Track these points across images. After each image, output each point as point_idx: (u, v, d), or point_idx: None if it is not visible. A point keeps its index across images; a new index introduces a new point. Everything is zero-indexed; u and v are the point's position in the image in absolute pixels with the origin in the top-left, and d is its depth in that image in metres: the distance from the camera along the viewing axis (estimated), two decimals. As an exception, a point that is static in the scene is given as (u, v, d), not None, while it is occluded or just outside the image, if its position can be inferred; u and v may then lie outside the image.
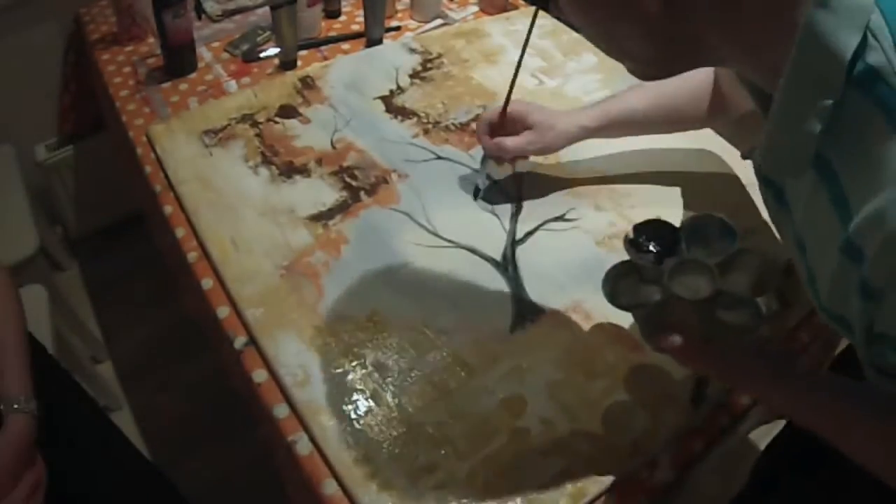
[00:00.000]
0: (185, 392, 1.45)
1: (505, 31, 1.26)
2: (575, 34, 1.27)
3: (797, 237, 0.46)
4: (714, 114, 0.81)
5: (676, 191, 0.92)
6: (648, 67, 0.50)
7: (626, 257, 0.60)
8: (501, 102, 0.83)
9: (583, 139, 0.85)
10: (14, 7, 1.35)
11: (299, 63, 1.18)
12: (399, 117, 1.05)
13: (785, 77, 0.39)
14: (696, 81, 0.80)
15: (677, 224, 0.59)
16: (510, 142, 0.83)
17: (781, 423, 0.99)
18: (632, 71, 0.51)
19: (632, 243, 0.59)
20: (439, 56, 1.18)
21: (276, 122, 1.02)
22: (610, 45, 0.51)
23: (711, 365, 0.56)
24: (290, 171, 0.94)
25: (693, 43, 0.44)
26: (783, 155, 0.42)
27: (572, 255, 0.84)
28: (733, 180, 0.93)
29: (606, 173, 0.94)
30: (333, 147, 0.99)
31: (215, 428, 1.37)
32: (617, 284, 0.59)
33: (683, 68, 0.50)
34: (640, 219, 0.62)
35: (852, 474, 0.49)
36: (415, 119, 1.04)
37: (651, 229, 0.59)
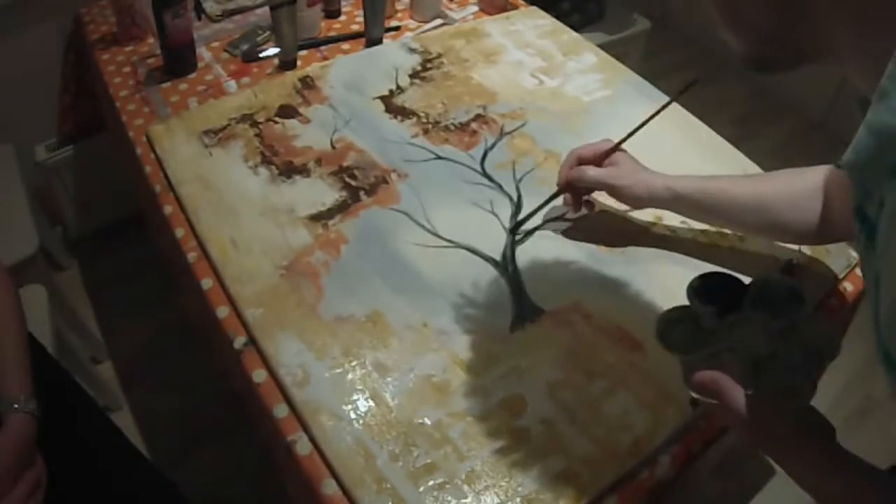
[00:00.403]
0: (185, 392, 1.45)
1: (505, 31, 1.26)
2: (575, 34, 1.27)
3: (876, 272, 0.43)
4: (819, 234, 0.74)
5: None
6: (756, 45, 0.46)
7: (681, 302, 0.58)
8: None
9: (663, 200, 0.80)
10: (14, 7, 1.35)
11: (299, 63, 1.18)
12: (399, 117, 1.05)
13: (888, 74, 0.36)
14: (799, 190, 0.74)
15: (745, 280, 0.57)
16: (592, 171, 0.81)
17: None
18: (736, 50, 0.47)
19: (696, 292, 0.58)
20: (439, 56, 1.18)
21: (276, 122, 1.02)
22: (727, 7, 0.46)
23: (755, 428, 0.54)
24: (290, 171, 0.94)
25: (816, 23, 0.40)
26: (869, 153, 0.38)
27: (572, 255, 0.84)
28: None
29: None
30: (333, 147, 0.99)
31: (215, 428, 1.37)
32: (670, 327, 0.59)
33: (790, 61, 0.46)
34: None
35: None
36: (415, 119, 1.04)
37: (717, 281, 0.58)
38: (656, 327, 0.59)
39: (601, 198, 0.88)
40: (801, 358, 0.54)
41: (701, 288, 0.58)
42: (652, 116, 0.80)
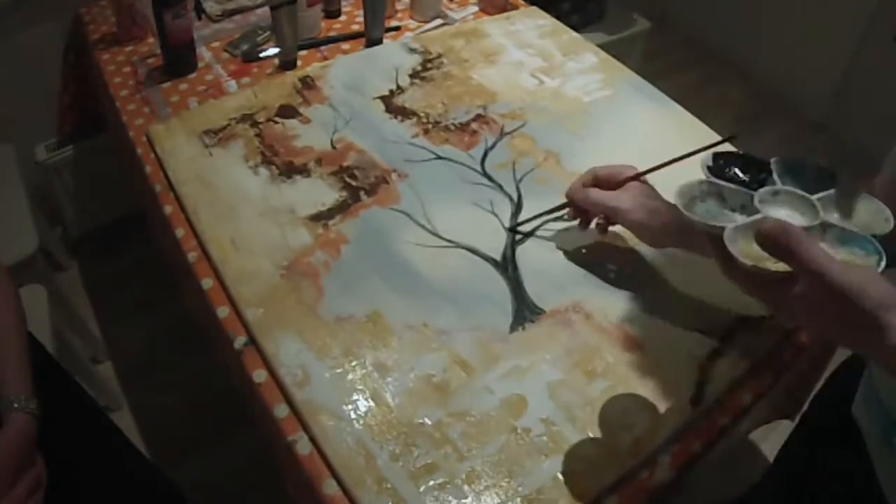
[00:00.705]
0: (185, 392, 1.45)
1: (505, 31, 1.26)
2: (575, 34, 1.27)
3: None
4: None
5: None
6: None
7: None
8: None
9: (676, 238, 0.73)
10: (14, 7, 1.35)
11: (299, 63, 1.18)
12: (399, 117, 1.05)
13: None
14: None
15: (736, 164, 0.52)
16: (594, 193, 0.76)
17: (783, 424, 0.99)
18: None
19: (713, 170, 0.51)
20: (439, 56, 1.18)
21: (276, 122, 1.02)
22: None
23: (848, 289, 0.41)
24: (290, 171, 0.94)
25: None
26: None
27: (572, 255, 0.84)
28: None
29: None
30: (333, 147, 0.99)
31: (215, 428, 1.37)
32: (691, 205, 0.51)
33: None
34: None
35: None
36: (415, 119, 1.04)
37: (733, 160, 0.52)
38: (678, 201, 0.50)
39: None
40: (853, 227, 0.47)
41: (717, 165, 0.52)
42: (686, 156, 0.73)
